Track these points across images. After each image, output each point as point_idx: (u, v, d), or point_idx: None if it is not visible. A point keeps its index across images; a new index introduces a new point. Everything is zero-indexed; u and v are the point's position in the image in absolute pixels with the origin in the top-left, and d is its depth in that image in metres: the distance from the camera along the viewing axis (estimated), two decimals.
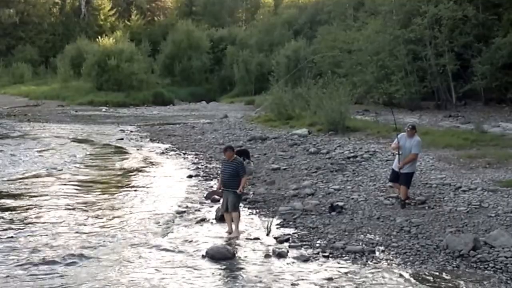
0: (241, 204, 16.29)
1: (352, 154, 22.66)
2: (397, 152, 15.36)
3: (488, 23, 38.71)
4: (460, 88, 39.10)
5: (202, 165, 23.82)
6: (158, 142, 32.28)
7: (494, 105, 37.95)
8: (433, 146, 22.76)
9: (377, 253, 11.94)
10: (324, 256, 11.84)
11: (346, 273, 10.93)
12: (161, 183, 20.44)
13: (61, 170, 22.70)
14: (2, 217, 14.88)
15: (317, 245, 12.53)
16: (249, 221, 14.85)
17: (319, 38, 59.89)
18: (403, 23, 42.62)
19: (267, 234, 13.31)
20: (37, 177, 21.03)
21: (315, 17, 74.95)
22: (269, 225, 13.58)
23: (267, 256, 11.92)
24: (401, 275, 10.77)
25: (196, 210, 16.02)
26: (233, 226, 13.56)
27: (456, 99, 40.06)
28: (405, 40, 41.06)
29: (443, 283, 10.41)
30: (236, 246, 12.62)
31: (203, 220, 14.73)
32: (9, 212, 15.48)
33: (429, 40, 40.11)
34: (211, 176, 21.25)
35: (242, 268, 11.28)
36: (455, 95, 39.88)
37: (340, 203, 15.51)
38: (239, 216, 13.76)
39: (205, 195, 17.77)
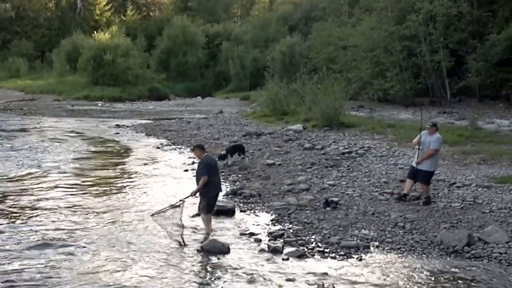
0: (236, 200, 16.44)
1: (346, 150, 22.73)
2: (417, 147, 15.40)
3: (483, 20, 38.79)
4: (454, 84, 39.18)
5: (197, 160, 23.78)
6: (153, 137, 32.28)
7: (489, 101, 38.03)
8: None
9: (371, 248, 12.03)
10: (319, 251, 11.91)
11: (340, 268, 11.00)
12: (157, 177, 20.45)
13: (55, 165, 22.64)
14: None
15: (312, 240, 12.60)
16: (244, 216, 14.91)
17: (314, 34, 59.87)
18: (398, 19, 42.68)
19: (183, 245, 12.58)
20: (31, 173, 20.78)
21: (310, 13, 75.00)
22: (181, 235, 12.73)
23: (262, 251, 11.98)
24: (395, 270, 10.84)
25: (191, 204, 16.03)
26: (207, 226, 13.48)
27: (451, 96, 40.14)
28: (400, 37, 41.11)
29: (437, 279, 10.48)
30: (232, 241, 12.66)
31: (198, 214, 14.73)
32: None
33: (424, 37, 40.19)
34: None
35: (238, 263, 11.31)
36: (450, 91, 39.94)
37: (335, 199, 15.58)
38: (208, 219, 13.42)
39: None
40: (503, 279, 10.36)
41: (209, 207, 13.42)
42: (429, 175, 15.23)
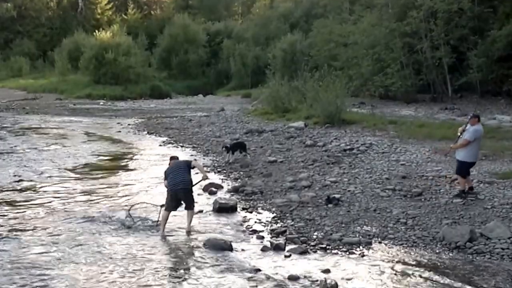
0: (238, 197, 16.51)
1: (348, 147, 22.75)
2: (459, 135, 15.32)
3: (484, 16, 38.74)
4: (456, 80, 39.21)
5: (199, 158, 23.84)
6: (155, 135, 32.32)
7: (490, 97, 37.98)
8: (429, 138, 22.86)
9: (373, 245, 12.02)
10: (321, 248, 11.90)
11: (343, 264, 11.00)
12: (158, 175, 20.41)
13: (55, 164, 22.59)
14: None
15: (314, 237, 12.59)
16: (246, 213, 14.91)
17: (315, 31, 59.83)
18: (399, 16, 42.69)
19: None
20: (29, 174, 20.63)
21: (311, 11, 74.86)
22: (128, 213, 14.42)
23: (264, 248, 11.98)
24: (397, 267, 10.85)
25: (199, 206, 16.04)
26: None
27: (452, 92, 40.13)
28: (401, 33, 41.17)
29: (439, 274, 10.48)
30: (234, 238, 12.66)
31: (200, 212, 14.75)
32: None
33: (425, 33, 40.21)
34: (208, 168, 21.26)
35: (240, 260, 11.32)
36: (451, 87, 39.96)
37: (337, 195, 15.58)
38: (164, 217, 13.37)
39: (202, 187, 17.75)
40: (505, 274, 10.36)
41: (168, 204, 13.42)
42: (461, 165, 14.97)
